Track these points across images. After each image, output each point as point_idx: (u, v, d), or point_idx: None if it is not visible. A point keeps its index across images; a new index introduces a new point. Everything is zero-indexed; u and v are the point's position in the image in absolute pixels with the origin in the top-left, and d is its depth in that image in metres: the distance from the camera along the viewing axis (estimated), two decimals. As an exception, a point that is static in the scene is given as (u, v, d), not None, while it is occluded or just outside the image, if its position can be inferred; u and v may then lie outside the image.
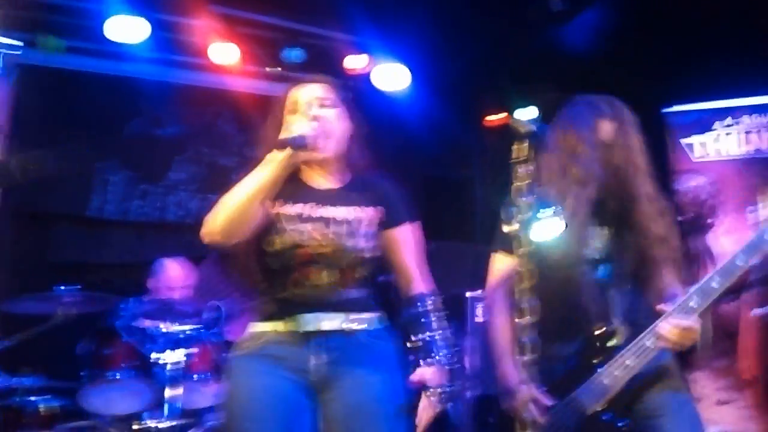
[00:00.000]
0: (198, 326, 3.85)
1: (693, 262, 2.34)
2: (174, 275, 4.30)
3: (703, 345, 2.09)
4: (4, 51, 4.59)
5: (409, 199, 2.23)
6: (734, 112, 4.85)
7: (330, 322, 2.02)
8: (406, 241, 2.17)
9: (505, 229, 2.15)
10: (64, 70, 4.86)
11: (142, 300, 4.09)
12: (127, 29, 4.58)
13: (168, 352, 3.64)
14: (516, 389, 2.13)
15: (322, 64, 5.07)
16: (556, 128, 2.31)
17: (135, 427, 3.63)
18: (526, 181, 1.77)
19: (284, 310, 2.04)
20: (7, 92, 4.54)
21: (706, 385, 4.33)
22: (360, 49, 5.21)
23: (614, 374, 2.07)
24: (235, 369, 2.06)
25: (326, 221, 2.06)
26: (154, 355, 3.65)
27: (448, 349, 2.04)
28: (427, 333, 2.04)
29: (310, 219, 2.06)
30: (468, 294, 4.28)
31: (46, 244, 4.86)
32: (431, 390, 1.98)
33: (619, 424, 2.07)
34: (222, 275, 4.34)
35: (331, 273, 2.05)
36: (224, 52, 4.90)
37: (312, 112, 2.08)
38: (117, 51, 4.76)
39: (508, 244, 2.06)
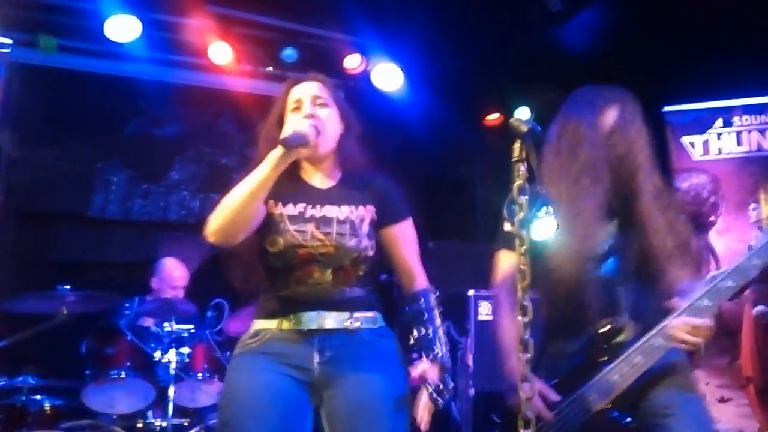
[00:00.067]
0: (201, 325, 3.87)
1: (695, 260, 2.30)
2: (176, 274, 4.32)
3: (703, 343, 2.07)
4: (-6, 49, 4.59)
5: (405, 196, 2.23)
6: (734, 111, 4.87)
7: (332, 320, 2.03)
8: (406, 237, 2.18)
9: (506, 227, 2.17)
10: (64, 70, 4.87)
11: (145, 299, 4.11)
12: (122, 28, 4.59)
13: (171, 350, 3.65)
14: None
15: (320, 64, 5.08)
16: (561, 118, 2.30)
17: (138, 425, 3.65)
18: (526, 180, 1.78)
19: (287, 307, 2.05)
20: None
21: (706, 383, 4.34)
22: (359, 49, 5.22)
23: (622, 372, 2.05)
24: (237, 366, 2.07)
25: (328, 221, 2.07)
26: (157, 354, 3.66)
27: (447, 345, 2.04)
28: (430, 329, 2.05)
29: (312, 219, 2.07)
30: (470, 292, 4.29)
31: (48, 243, 4.87)
32: (432, 386, 1.98)
33: (625, 422, 2.05)
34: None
35: (334, 271, 2.06)
36: (224, 52, 4.91)
37: (308, 109, 2.10)
38: (117, 51, 4.77)
39: (512, 242, 2.06)
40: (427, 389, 1.98)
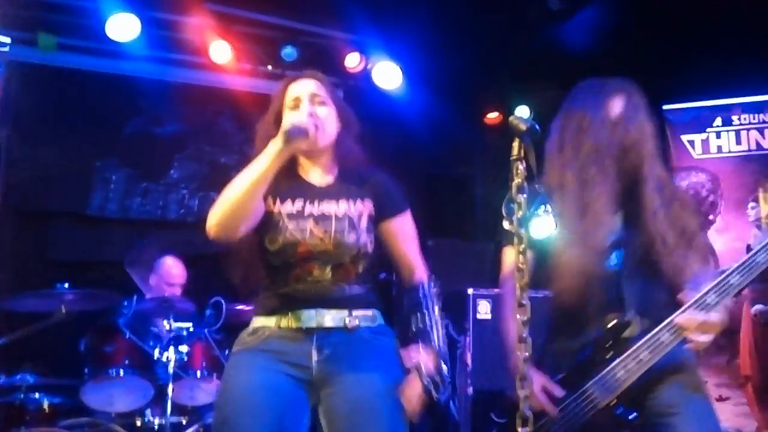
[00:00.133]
0: (199, 323, 3.87)
1: (702, 252, 2.27)
2: (174, 272, 4.32)
3: (710, 339, 2.05)
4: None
5: (402, 190, 2.23)
6: (733, 110, 4.87)
7: (331, 318, 2.03)
8: (405, 231, 2.18)
9: (506, 226, 2.17)
10: (63, 68, 4.87)
11: (144, 297, 4.11)
12: (122, 27, 4.59)
13: (170, 349, 3.65)
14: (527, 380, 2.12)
15: (320, 62, 5.07)
16: (565, 109, 2.29)
17: (137, 423, 3.65)
18: (525, 179, 1.78)
19: (286, 305, 2.05)
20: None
21: (704, 382, 4.34)
22: (359, 48, 5.22)
23: (628, 367, 2.03)
24: (235, 364, 2.07)
25: (327, 217, 2.07)
26: (155, 352, 3.66)
27: (445, 336, 2.03)
28: (427, 318, 2.04)
29: (311, 216, 2.07)
30: (469, 291, 4.29)
31: (46, 242, 4.86)
32: (425, 375, 1.96)
33: (630, 418, 2.04)
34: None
35: (333, 268, 2.06)
36: (224, 51, 4.91)
37: (307, 107, 2.10)
38: (117, 49, 4.77)
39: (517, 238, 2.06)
40: (421, 379, 1.95)
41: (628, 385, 2.04)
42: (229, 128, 5.35)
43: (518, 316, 1.73)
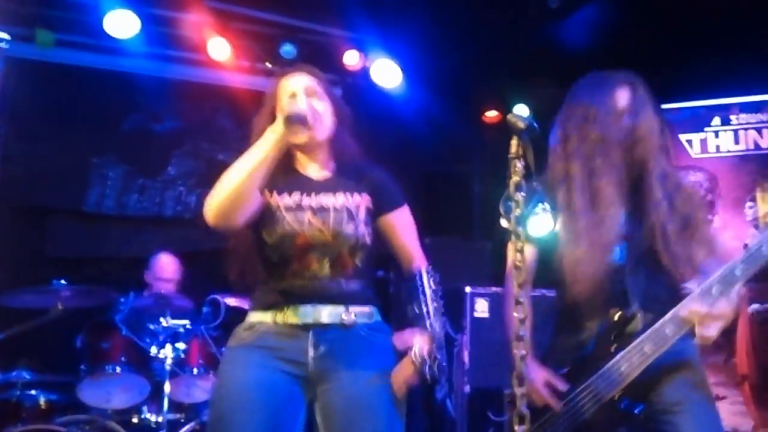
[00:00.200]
0: (197, 321, 3.86)
1: (708, 243, 2.26)
2: (167, 267, 4.33)
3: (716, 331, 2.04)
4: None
5: (399, 184, 2.23)
6: (731, 109, 4.87)
7: (328, 314, 2.03)
8: (404, 224, 2.19)
9: (504, 224, 2.17)
10: (61, 64, 4.86)
11: (141, 294, 4.11)
12: (120, 23, 4.58)
13: (167, 346, 3.65)
14: (530, 373, 2.11)
15: (319, 60, 5.07)
16: (569, 101, 2.28)
17: (133, 420, 3.66)
18: (523, 176, 1.78)
19: (282, 300, 2.05)
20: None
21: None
22: (357, 45, 5.21)
23: (632, 360, 2.03)
24: (231, 359, 2.06)
25: (325, 209, 2.07)
26: (152, 349, 3.66)
27: (441, 322, 2.00)
28: (423, 304, 2.02)
29: (308, 208, 2.07)
30: (467, 289, 4.29)
31: (43, 238, 4.86)
32: (418, 356, 1.92)
33: (635, 411, 2.04)
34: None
35: (331, 262, 2.05)
36: (222, 48, 4.90)
37: (304, 101, 2.10)
38: (115, 46, 4.76)
39: (521, 234, 2.06)
40: (413, 361, 1.92)
41: (633, 378, 2.04)
42: (227, 125, 5.34)
43: (515, 314, 1.73)
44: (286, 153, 2.12)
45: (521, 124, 1.79)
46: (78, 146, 4.93)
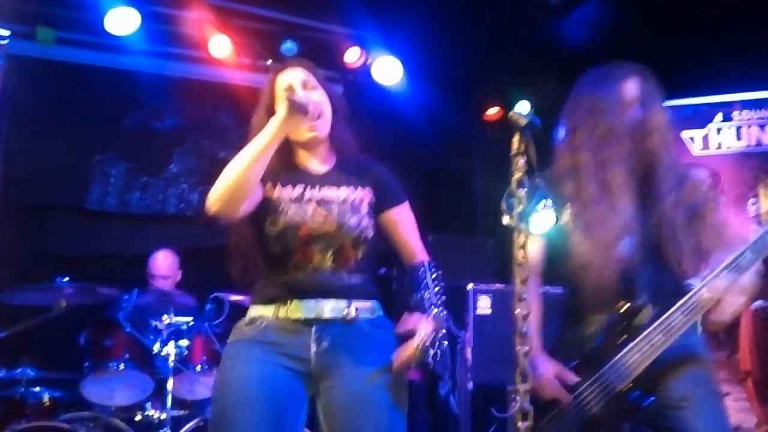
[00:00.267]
0: (200, 318, 3.87)
1: (715, 235, 2.26)
2: (161, 264, 4.33)
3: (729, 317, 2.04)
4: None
5: (400, 181, 2.23)
6: (733, 106, 4.86)
7: (330, 309, 2.03)
8: (406, 219, 2.19)
9: (505, 220, 2.17)
10: (62, 62, 4.87)
11: (144, 292, 4.11)
12: (121, 20, 4.59)
13: (170, 343, 3.66)
14: (540, 367, 2.12)
15: (320, 57, 5.07)
16: (576, 93, 2.28)
17: (137, 417, 3.66)
18: (525, 173, 1.78)
19: (284, 294, 2.04)
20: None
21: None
22: (358, 42, 5.21)
23: (642, 351, 2.03)
24: (232, 355, 2.05)
25: (328, 201, 2.07)
26: (156, 346, 3.67)
27: (443, 310, 1.98)
28: (425, 293, 2.00)
29: (312, 200, 2.06)
30: (469, 286, 4.29)
31: (45, 236, 4.87)
32: (421, 340, 1.90)
33: (645, 404, 2.04)
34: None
35: (334, 254, 2.05)
36: (223, 45, 4.90)
37: (302, 94, 2.10)
38: (116, 43, 4.76)
39: (534, 228, 2.06)
40: (417, 345, 1.89)
41: (642, 369, 2.03)
42: (228, 122, 5.34)
43: (518, 310, 1.74)
44: (286, 149, 2.12)
45: (523, 121, 1.79)
46: (79, 144, 4.93)
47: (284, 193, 2.07)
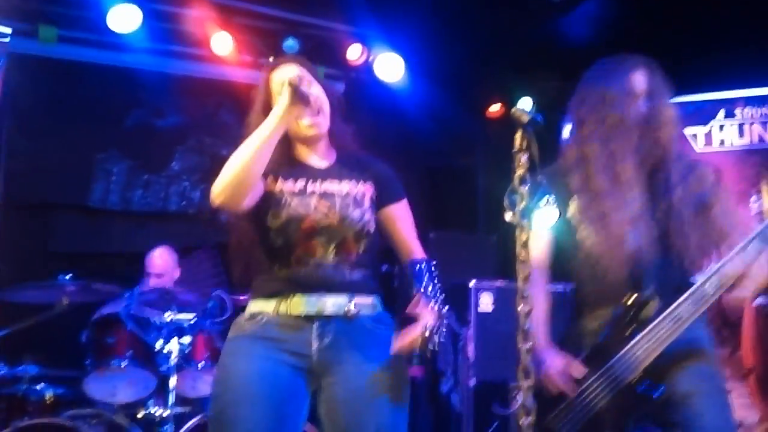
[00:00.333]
0: (201, 315, 3.87)
1: (721, 226, 2.26)
2: (157, 262, 4.33)
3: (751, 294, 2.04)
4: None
5: (400, 178, 2.23)
6: (736, 103, 4.85)
7: (332, 305, 2.02)
8: (404, 216, 2.19)
9: (508, 217, 2.17)
10: (64, 60, 4.87)
11: (145, 289, 4.11)
12: (123, 18, 4.59)
13: (172, 340, 3.66)
14: (547, 360, 2.12)
15: (321, 54, 5.07)
16: (583, 86, 2.28)
17: (139, 414, 3.66)
18: (527, 170, 1.78)
19: (286, 289, 2.03)
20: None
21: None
22: (360, 39, 5.21)
23: (649, 343, 2.03)
24: (233, 351, 2.03)
25: (330, 195, 2.07)
26: (158, 344, 3.67)
27: (444, 304, 1.97)
28: (427, 286, 1.98)
29: (314, 193, 2.06)
30: (471, 283, 4.29)
31: (48, 233, 4.88)
32: (427, 327, 1.85)
33: (655, 395, 2.04)
34: (210, 268, 4.38)
35: (336, 248, 2.04)
36: (225, 43, 4.90)
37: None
38: (117, 41, 4.76)
39: (540, 222, 2.07)
40: (423, 330, 1.85)
41: (651, 361, 2.03)
42: (230, 120, 5.34)
43: (520, 306, 1.74)
44: (286, 144, 2.12)
45: (525, 118, 1.79)
46: (81, 142, 4.94)
47: (286, 187, 2.07)
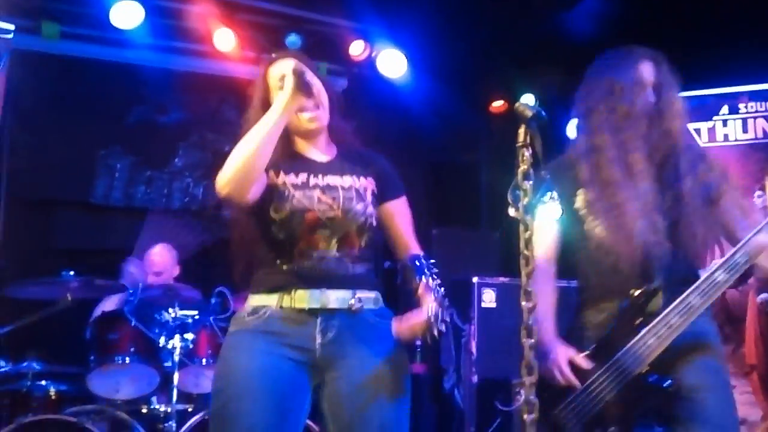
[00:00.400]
0: (205, 311, 3.88)
1: (727, 219, 2.26)
2: (155, 260, 4.34)
3: None
4: (-4, 35, 4.58)
5: (399, 173, 2.23)
6: (740, 98, 4.84)
7: (336, 299, 2.01)
8: (404, 212, 2.18)
9: (511, 213, 2.16)
10: (67, 56, 4.87)
11: (149, 285, 4.12)
12: (125, 15, 4.59)
13: (175, 336, 3.66)
14: (553, 351, 2.11)
15: (324, 50, 5.07)
16: (590, 78, 2.27)
17: (143, 410, 3.67)
18: (531, 165, 1.77)
19: (289, 283, 2.02)
20: (1, 77, 4.54)
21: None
22: (363, 35, 5.20)
23: (657, 335, 2.01)
24: (234, 345, 2.02)
25: (333, 188, 2.06)
26: (161, 340, 3.67)
27: (444, 297, 1.92)
28: (428, 278, 1.96)
29: (316, 186, 2.05)
30: (474, 279, 4.28)
31: (51, 230, 4.88)
32: (429, 310, 1.84)
33: (665, 385, 2.02)
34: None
35: (339, 241, 2.03)
36: (227, 39, 4.90)
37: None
38: (120, 38, 4.76)
39: (547, 215, 2.06)
40: (425, 315, 1.84)
41: (660, 352, 2.02)
42: (232, 116, 5.33)
43: (523, 303, 1.73)
44: (286, 139, 2.11)
45: (529, 113, 1.78)
46: (84, 138, 4.94)
47: (288, 180, 2.06)
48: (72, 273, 3.59)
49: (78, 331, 3.81)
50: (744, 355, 4.38)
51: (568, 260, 2.27)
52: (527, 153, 1.77)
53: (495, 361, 4.12)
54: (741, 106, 4.84)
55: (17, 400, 3.50)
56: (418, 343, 2.04)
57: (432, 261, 2.06)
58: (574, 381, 2.09)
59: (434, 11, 4.81)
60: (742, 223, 2.12)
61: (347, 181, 2.09)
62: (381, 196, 2.14)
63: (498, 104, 5.79)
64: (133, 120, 5.12)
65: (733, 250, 2.02)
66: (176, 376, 3.60)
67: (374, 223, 2.09)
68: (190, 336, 3.72)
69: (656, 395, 2.03)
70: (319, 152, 2.16)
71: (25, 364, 3.58)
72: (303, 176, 2.07)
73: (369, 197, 2.09)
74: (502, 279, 4.31)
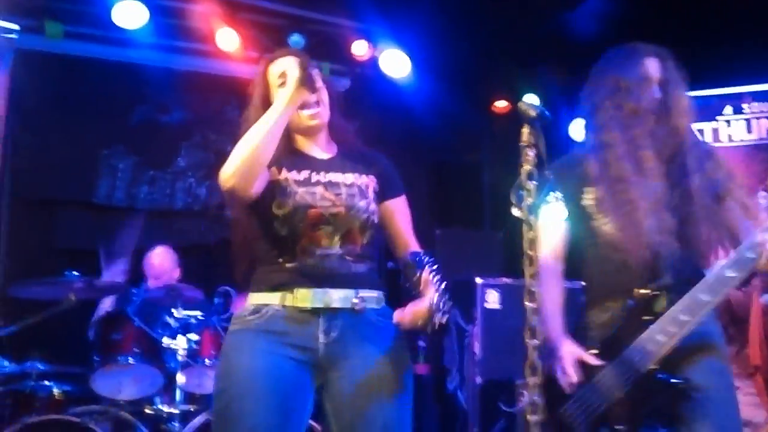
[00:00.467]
0: (208, 311, 3.87)
1: (731, 215, 2.26)
2: (155, 262, 4.33)
3: None
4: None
5: (401, 172, 2.23)
6: (743, 98, 4.83)
7: (339, 298, 2.00)
8: (403, 211, 2.18)
9: (515, 212, 2.15)
10: (70, 56, 4.87)
11: (152, 286, 4.12)
12: (129, 14, 4.59)
13: (179, 337, 3.66)
14: (561, 348, 2.11)
15: (327, 50, 5.06)
16: (595, 75, 2.27)
17: (146, 411, 3.67)
18: (534, 165, 1.77)
19: (291, 281, 2.01)
20: (4, 76, 4.54)
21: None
22: (366, 35, 5.20)
23: (664, 333, 2.00)
24: (236, 345, 2.01)
25: (335, 184, 2.06)
26: (165, 340, 3.67)
27: (445, 292, 1.90)
28: (429, 274, 1.95)
29: (319, 183, 2.05)
30: (477, 280, 4.28)
31: (53, 230, 4.88)
32: (433, 301, 1.81)
33: (673, 381, 2.02)
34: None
35: (342, 238, 2.03)
36: (230, 39, 4.90)
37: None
38: (123, 37, 4.76)
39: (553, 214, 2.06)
40: (428, 305, 1.81)
41: (669, 349, 2.01)
42: (235, 116, 5.26)
43: (527, 303, 1.72)
44: (287, 136, 2.10)
45: (532, 112, 1.78)
46: (87, 138, 4.94)
47: (290, 176, 2.05)
48: (75, 273, 3.59)
49: (81, 331, 3.81)
50: (748, 356, 4.37)
51: (574, 261, 2.26)
52: (530, 153, 1.77)
53: (498, 362, 4.11)
54: (745, 106, 4.83)
55: (20, 400, 3.50)
56: (422, 343, 2.03)
57: (433, 258, 2.05)
58: (581, 377, 2.08)
59: (437, 11, 4.81)
60: (746, 223, 2.11)
61: (349, 178, 2.08)
62: (382, 195, 2.14)
63: (501, 104, 5.79)
64: (136, 120, 5.12)
65: (742, 246, 2.01)
66: (180, 377, 3.60)
67: (376, 221, 2.09)
68: (193, 336, 3.72)
69: (665, 393, 2.03)
70: (320, 150, 2.16)
71: (28, 364, 3.58)
72: (305, 173, 2.07)
73: (371, 194, 2.09)
74: (505, 280, 4.30)
